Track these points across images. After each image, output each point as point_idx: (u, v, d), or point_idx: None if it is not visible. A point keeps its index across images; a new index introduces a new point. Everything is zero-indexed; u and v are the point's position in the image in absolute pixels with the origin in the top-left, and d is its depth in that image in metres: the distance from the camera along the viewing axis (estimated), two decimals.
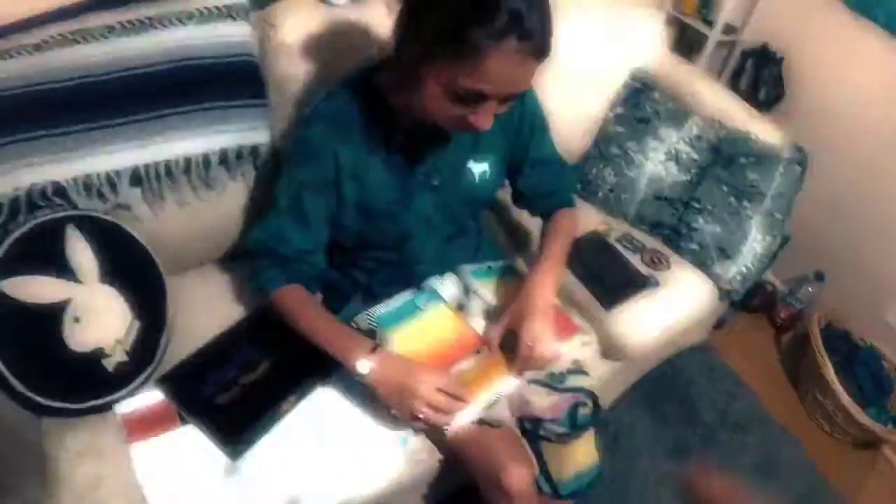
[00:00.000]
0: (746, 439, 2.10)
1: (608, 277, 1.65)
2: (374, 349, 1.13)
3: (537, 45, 0.93)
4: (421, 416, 1.09)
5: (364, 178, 1.19)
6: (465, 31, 0.90)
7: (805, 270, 2.45)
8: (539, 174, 1.38)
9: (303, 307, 1.21)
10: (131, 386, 1.23)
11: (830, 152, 2.28)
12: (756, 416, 2.19)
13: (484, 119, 1.00)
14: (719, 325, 2.37)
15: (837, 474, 2.09)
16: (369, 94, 1.17)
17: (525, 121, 1.30)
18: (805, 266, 2.45)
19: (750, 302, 2.53)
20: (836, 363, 2.14)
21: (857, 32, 2.13)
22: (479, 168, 1.27)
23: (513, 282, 1.38)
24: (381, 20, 1.39)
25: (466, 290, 1.32)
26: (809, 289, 2.41)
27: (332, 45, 1.39)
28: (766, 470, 2.03)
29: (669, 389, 2.18)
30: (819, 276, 2.39)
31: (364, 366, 1.11)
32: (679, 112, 1.87)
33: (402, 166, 1.21)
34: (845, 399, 2.06)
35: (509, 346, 1.19)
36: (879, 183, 2.20)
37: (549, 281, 1.24)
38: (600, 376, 1.62)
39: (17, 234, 1.16)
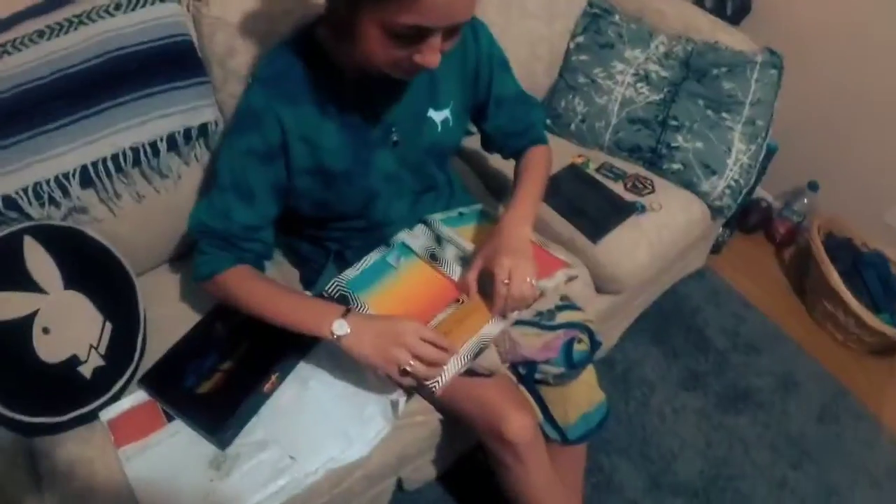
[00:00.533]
0: (760, 360, 2.07)
1: (591, 209, 1.60)
2: (345, 313, 1.07)
3: None
4: (409, 368, 1.03)
5: (317, 140, 1.13)
6: None
7: (798, 183, 2.41)
8: (506, 113, 1.33)
9: (257, 286, 1.15)
10: (114, 389, 1.20)
11: (805, 60, 2.20)
12: (767, 334, 2.16)
13: (429, 56, 0.93)
14: (717, 249, 2.34)
15: (857, 383, 2.07)
16: (312, 52, 1.10)
17: (483, 61, 1.24)
18: (797, 178, 2.41)
19: (746, 222, 2.50)
20: (841, 272, 2.11)
21: None
22: (440, 116, 1.22)
23: (488, 224, 1.33)
24: None
25: (438, 239, 1.27)
26: (805, 200, 2.37)
27: (266, 12, 1.33)
28: (785, 386, 2.01)
29: (675, 320, 2.15)
30: (813, 186, 2.34)
31: (341, 327, 1.04)
32: (643, 32, 1.81)
33: (358, 126, 1.15)
34: (855, 305, 2.02)
35: (488, 291, 1.13)
36: (858, 82, 2.14)
37: (523, 217, 1.19)
38: (598, 312, 1.60)
39: None
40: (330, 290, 1.16)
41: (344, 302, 1.13)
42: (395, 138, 1.19)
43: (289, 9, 1.32)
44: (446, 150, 1.31)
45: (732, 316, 2.19)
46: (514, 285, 1.08)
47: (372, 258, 1.23)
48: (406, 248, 1.25)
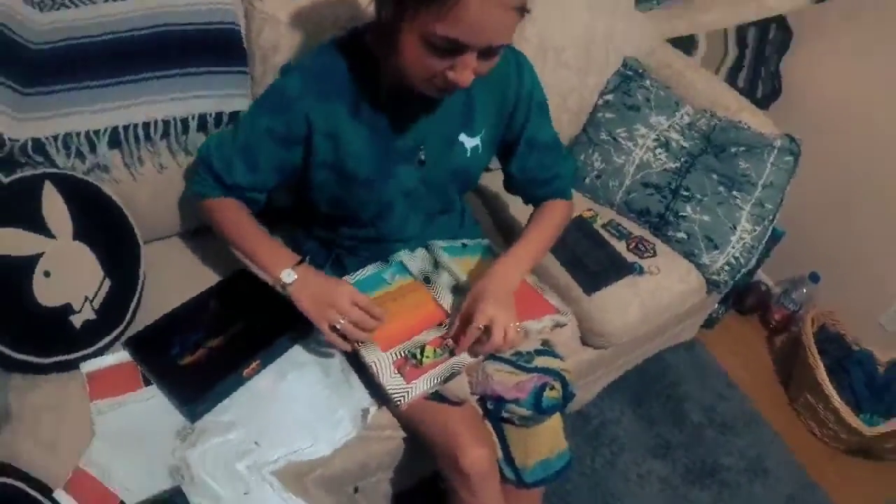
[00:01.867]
0: (734, 440, 2.10)
1: (591, 262, 1.66)
2: (298, 263, 1.15)
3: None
4: (338, 326, 1.10)
5: (343, 140, 1.17)
6: None
7: (800, 271, 2.46)
8: (536, 158, 1.34)
9: (236, 217, 1.24)
10: (98, 345, 1.24)
11: (824, 151, 2.29)
12: (745, 417, 2.19)
13: (463, 74, 0.97)
14: (711, 324, 2.38)
15: (828, 479, 2.09)
16: (358, 54, 1.14)
17: (522, 98, 1.26)
18: (800, 267, 2.46)
19: (743, 302, 2.54)
20: (828, 366, 2.15)
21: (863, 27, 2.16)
22: (471, 143, 1.25)
23: (488, 260, 1.37)
24: None
25: (436, 264, 1.31)
26: (804, 290, 2.42)
27: (316, 17, 1.40)
28: (754, 470, 2.04)
29: (656, 386, 2.18)
30: (814, 278, 2.40)
31: (288, 275, 1.13)
32: (670, 100, 1.88)
33: (387, 135, 1.19)
34: (837, 401, 2.06)
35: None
36: (878, 187, 2.21)
37: (517, 263, 1.23)
38: (581, 363, 1.64)
39: None
40: None
41: None
42: (422, 157, 1.23)
43: (338, 15, 1.39)
44: (472, 176, 1.34)
45: (714, 393, 2.22)
46: (494, 335, 1.11)
47: (368, 271, 1.28)
48: (402, 268, 1.30)
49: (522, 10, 0.94)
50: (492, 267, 1.20)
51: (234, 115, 1.39)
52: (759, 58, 2.40)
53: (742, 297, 2.53)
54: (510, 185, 1.44)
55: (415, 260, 1.32)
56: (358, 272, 1.28)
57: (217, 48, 1.37)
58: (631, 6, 1.95)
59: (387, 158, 1.21)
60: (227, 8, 1.38)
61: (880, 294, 2.28)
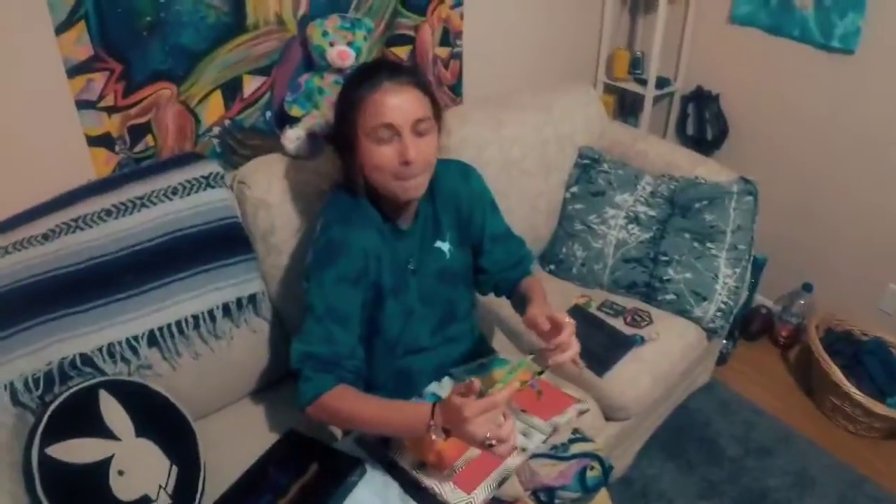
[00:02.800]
0: (774, 461, 2.20)
1: (595, 346, 1.81)
2: (432, 412, 1.18)
3: (409, 79, 1.28)
4: (488, 438, 1.12)
5: (380, 258, 1.36)
6: (358, 92, 1.26)
7: (793, 286, 2.62)
8: (501, 248, 1.56)
9: (354, 401, 1.28)
10: None
11: (786, 169, 2.52)
12: (779, 436, 2.29)
13: (408, 148, 1.25)
14: (723, 360, 2.52)
15: (875, 469, 2.18)
16: (360, 194, 1.38)
17: (475, 201, 1.51)
18: (792, 282, 2.63)
19: (749, 330, 2.68)
20: (843, 364, 2.28)
21: (774, 50, 2.42)
22: (445, 246, 1.48)
23: (503, 369, 1.52)
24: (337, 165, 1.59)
25: None
26: (802, 301, 2.57)
27: (300, 193, 1.62)
28: (801, 484, 2.12)
29: (687, 434, 2.29)
30: (807, 288, 2.55)
31: (438, 432, 1.17)
32: (630, 176, 2.08)
33: (395, 251, 1.40)
34: (859, 396, 2.17)
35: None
36: (837, 182, 2.41)
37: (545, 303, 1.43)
38: (609, 437, 1.77)
39: (55, 403, 1.33)
40: (370, 437, 1.37)
41: (384, 445, 1.35)
42: (411, 266, 1.44)
43: (322, 189, 1.60)
44: (457, 275, 1.52)
45: (743, 423, 2.33)
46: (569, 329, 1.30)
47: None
48: (436, 398, 1.44)
49: (424, 87, 1.30)
50: (531, 306, 1.39)
51: (252, 298, 1.58)
52: (700, 105, 2.63)
53: (747, 324, 2.67)
54: (486, 283, 1.62)
55: (444, 389, 1.49)
56: None
57: (224, 242, 1.57)
58: (575, 103, 2.18)
59: (402, 270, 1.42)
60: (224, 204, 1.59)
61: (872, 283, 2.45)
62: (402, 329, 1.45)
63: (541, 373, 1.29)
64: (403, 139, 1.26)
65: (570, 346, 1.29)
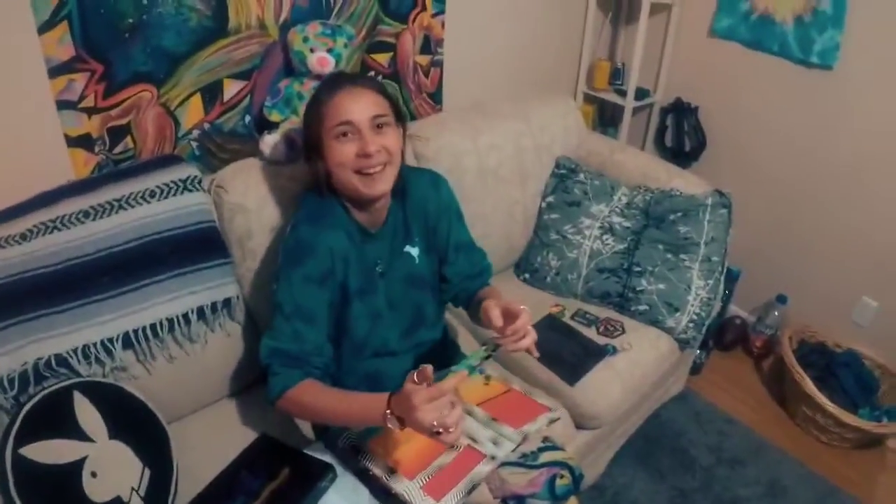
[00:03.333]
0: (746, 471, 2.23)
1: (567, 354, 1.85)
2: (388, 403, 1.21)
3: (367, 84, 1.40)
4: (434, 426, 1.14)
5: (348, 260, 1.42)
6: (321, 98, 1.37)
7: (767, 297, 2.67)
8: (465, 258, 1.62)
9: (319, 396, 1.34)
10: None
11: (763, 182, 2.57)
12: (752, 446, 2.33)
13: (367, 142, 1.34)
14: (697, 370, 2.56)
15: (846, 478, 2.22)
16: (331, 197, 1.45)
17: (443, 210, 1.58)
18: (766, 294, 2.68)
19: (723, 340, 2.72)
20: (816, 376, 2.33)
21: (753, 64, 2.47)
22: (415, 251, 1.54)
23: (478, 377, 1.57)
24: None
25: None
26: (775, 313, 2.62)
27: (277, 198, 1.65)
28: (773, 494, 2.16)
29: (660, 442, 2.32)
30: (781, 299, 2.60)
31: (392, 422, 1.19)
32: (606, 187, 2.12)
33: (367, 254, 1.46)
34: (831, 407, 2.22)
35: (478, 437, 1.39)
36: (813, 196, 2.47)
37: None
38: (580, 446, 1.81)
39: (30, 404, 1.34)
40: (343, 443, 1.39)
41: (355, 452, 1.37)
42: (380, 269, 1.49)
43: (295, 193, 1.62)
44: (425, 280, 1.58)
45: (716, 433, 2.37)
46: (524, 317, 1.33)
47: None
48: None
49: (384, 91, 1.41)
50: (486, 301, 1.42)
51: (226, 302, 1.60)
52: (679, 117, 2.68)
53: (721, 334, 2.72)
54: (447, 292, 1.65)
55: None
56: None
57: (200, 246, 1.59)
58: (554, 114, 2.22)
59: (370, 273, 1.47)
60: (201, 207, 1.61)
61: (845, 295, 2.50)
62: (370, 331, 1.49)
63: (487, 357, 1.30)
64: (363, 134, 1.35)
65: (527, 333, 1.32)
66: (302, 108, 1.71)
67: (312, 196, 1.48)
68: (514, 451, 1.40)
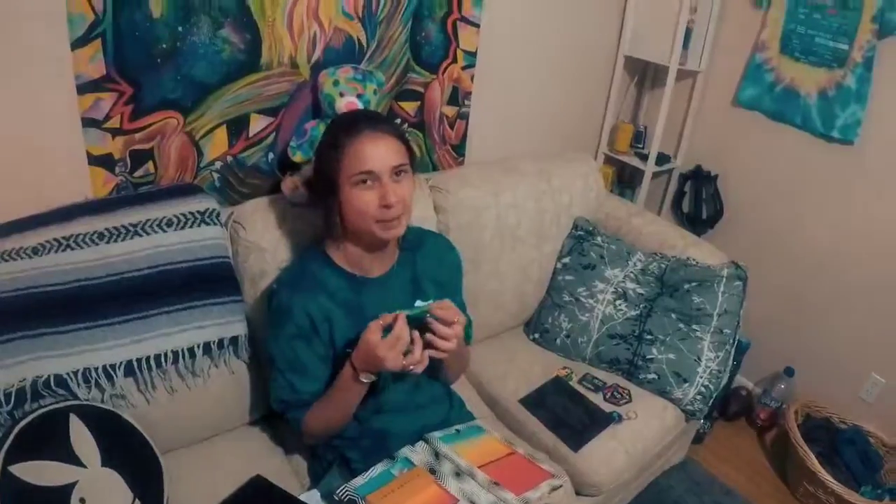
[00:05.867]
0: None
1: (572, 419, 1.82)
2: (353, 366, 1.37)
3: (387, 129, 1.39)
4: (405, 366, 1.33)
5: (332, 321, 1.44)
6: (339, 140, 1.36)
7: (775, 370, 2.64)
8: None
9: (318, 414, 1.47)
10: None
11: (778, 253, 2.55)
12: None
13: (388, 193, 1.35)
14: (699, 439, 2.51)
15: None
16: (320, 259, 1.50)
17: (454, 270, 1.67)
18: (774, 366, 2.65)
19: (727, 410, 2.68)
20: (820, 452, 2.28)
21: (775, 135, 2.47)
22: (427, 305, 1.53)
23: (482, 438, 1.54)
24: None
25: (437, 455, 1.46)
26: (782, 385, 2.57)
27: (294, 241, 1.63)
28: None
29: None
30: (789, 372, 2.57)
31: (367, 377, 1.38)
32: (622, 251, 2.10)
33: (359, 313, 1.45)
34: (833, 484, 2.17)
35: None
36: (826, 270, 2.45)
37: None
38: None
39: (24, 422, 1.30)
40: (340, 495, 1.35)
41: None
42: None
43: (311, 238, 1.62)
44: None
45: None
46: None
47: (378, 469, 1.42)
48: (408, 462, 1.44)
49: (401, 136, 1.41)
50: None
51: (234, 340, 1.58)
52: (698, 183, 2.67)
53: (726, 405, 2.67)
54: None
55: (416, 454, 1.47)
56: (369, 472, 1.42)
57: (213, 282, 1.57)
58: (575, 174, 2.21)
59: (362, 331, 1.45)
60: (217, 242, 1.59)
61: (854, 371, 2.46)
62: (369, 393, 1.47)
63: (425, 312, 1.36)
64: (384, 184, 1.36)
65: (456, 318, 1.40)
66: None
67: (299, 259, 1.55)
68: None
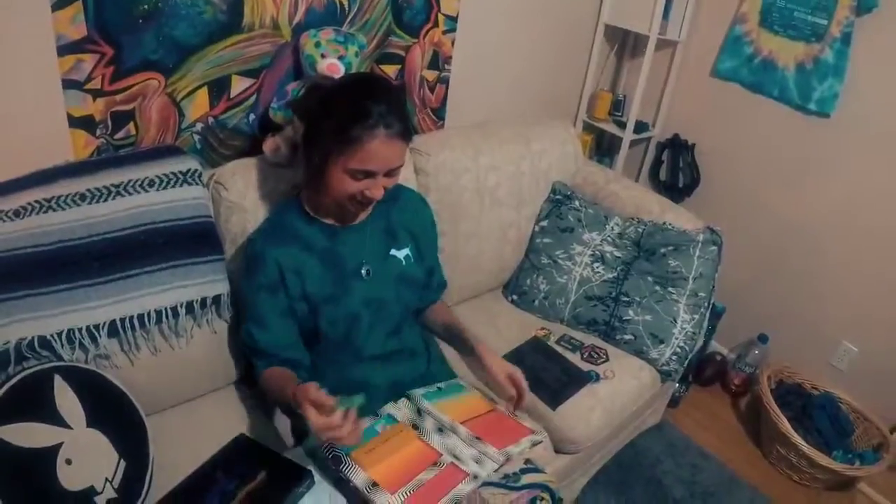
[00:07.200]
0: None
1: (551, 378, 1.85)
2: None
3: (400, 131, 1.35)
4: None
5: (303, 272, 1.48)
6: (349, 130, 1.31)
7: (749, 336, 2.71)
8: (437, 279, 1.75)
9: (270, 379, 1.48)
10: None
11: (754, 222, 2.61)
12: (724, 481, 2.34)
13: (375, 191, 1.39)
14: (675, 402, 2.57)
15: None
16: (297, 209, 1.53)
17: (428, 227, 1.70)
18: (748, 332, 2.71)
19: (703, 375, 2.74)
20: (792, 416, 2.35)
21: (752, 106, 2.51)
22: (402, 254, 1.60)
23: (463, 395, 1.58)
24: None
25: (419, 412, 1.50)
26: (756, 352, 2.64)
27: (275, 200, 1.64)
28: None
29: (635, 471, 2.32)
30: (762, 339, 2.63)
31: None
32: (599, 216, 2.14)
33: (335, 261, 1.51)
34: (805, 447, 2.24)
35: (460, 455, 1.38)
36: (801, 239, 2.51)
37: (495, 355, 1.60)
38: (558, 469, 1.80)
39: (9, 384, 1.30)
40: (325, 451, 1.37)
41: (337, 462, 1.33)
42: (364, 271, 1.54)
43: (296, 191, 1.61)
44: (415, 280, 1.63)
45: (689, 465, 2.38)
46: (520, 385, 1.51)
47: (363, 425, 1.45)
48: (392, 418, 1.48)
49: (409, 134, 1.39)
50: (482, 354, 1.56)
51: (216, 298, 1.59)
52: (675, 152, 2.71)
53: (700, 370, 2.74)
54: None
55: (400, 410, 1.50)
56: None
57: (195, 241, 1.57)
58: (554, 140, 2.24)
59: (341, 278, 1.52)
60: (199, 202, 1.60)
61: (826, 338, 2.54)
62: (347, 334, 1.53)
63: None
64: (376, 181, 1.38)
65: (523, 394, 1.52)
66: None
67: (277, 210, 1.58)
68: (496, 471, 1.40)
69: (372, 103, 1.32)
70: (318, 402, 1.20)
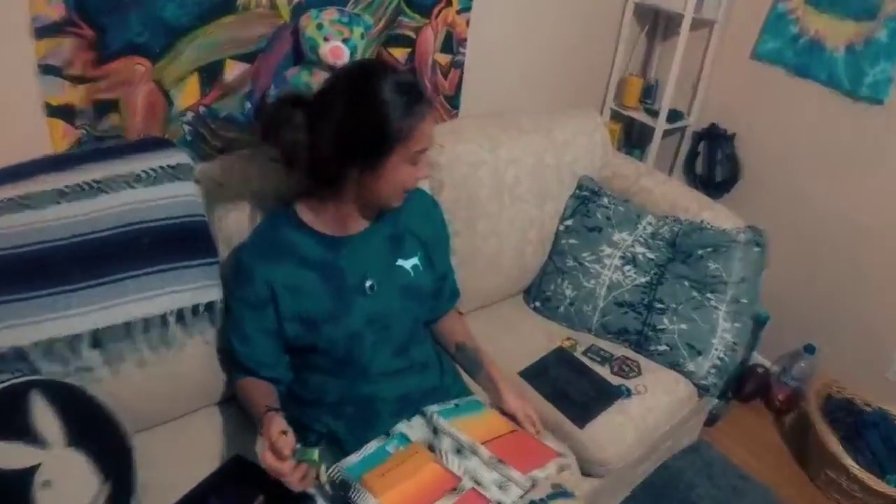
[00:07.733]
0: None
1: (577, 394, 1.84)
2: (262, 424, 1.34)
3: (432, 104, 1.47)
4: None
5: (300, 288, 1.49)
6: (407, 121, 1.38)
7: (794, 347, 2.67)
8: (449, 286, 1.76)
9: (245, 393, 1.54)
10: None
11: (799, 221, 2.57)
12: None
13: (425, 169, 1.50)
14: (713, 420, 2.55)
15: None
16: (290, 220, 1.53)
17: (439, 232, 1.72)
18: (793, 343, 2.68)
19: (744, 390, 2.71)
20: (842, 436, 2.31)
21: (798, 92, 2.48)
22: (409, 263, 1.60)
23: (482, 414, 1.56)
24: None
25: (435, 431, 1.48)
26: (802, 364, 2.61)
27: (273, 199, 1.63)
28: None
29: (668, 496, 2.30)
30: (809, 350, 2.60)
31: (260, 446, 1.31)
32: (630, 214, 2.12)
33: (334, 276, 1.51)
34: (857, 471, 2.20)
35: (483, 481, 1.37)
36: (852, 240, 2.47)
37: (509, 385, 1.63)
38: (584, 493, 1.78)
39: None
40: (332, 474, 1.36)
41: (345, 487, 1.32)
42: (368, 286, 1.53)
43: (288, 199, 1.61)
44: (422, 292, 1.62)
45: (729, 488, 2.36)
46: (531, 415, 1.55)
47: (372, 446, 1.44)
48: (405, 438, 1.46)
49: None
50: (498, 387, 1.60)
51: (209, 306, 1.57)
52: (712, 143, 2.68)
53: (741, 384, 2.71)
54: None
55: (413, 429, 1.49)
56: (363, 449, 1.43)
57: (186, 242, 1.55)
58: (579, 130, 2.22)
59: (341, 294, 1.52)
60: (191, 199, 1.58)
61: (880, 349, 2.49)
62: (348, 353, 1.52)
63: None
64: (426, 157, 1.47)
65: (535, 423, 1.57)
66: None
67: (268, 220, 1.57)
68: (521, 497, 1.38)
69: (403, 85, 1.42)
70: (275, 448, 1.25)
